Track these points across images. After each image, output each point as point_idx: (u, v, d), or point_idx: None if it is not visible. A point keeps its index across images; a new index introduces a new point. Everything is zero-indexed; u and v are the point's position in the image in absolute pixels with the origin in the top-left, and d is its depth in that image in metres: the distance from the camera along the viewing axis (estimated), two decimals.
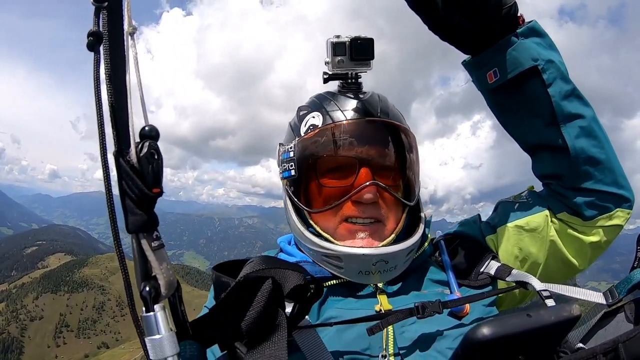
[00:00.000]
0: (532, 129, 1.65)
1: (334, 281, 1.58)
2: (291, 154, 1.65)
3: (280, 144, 1.78)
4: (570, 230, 1.67)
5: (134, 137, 0.88)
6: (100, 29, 0.87)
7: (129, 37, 0.90)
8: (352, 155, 1.57)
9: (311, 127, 1.63)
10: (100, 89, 0.86)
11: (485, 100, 1.73)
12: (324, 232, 1.59)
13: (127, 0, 0.90)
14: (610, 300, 1.41)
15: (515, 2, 1.48)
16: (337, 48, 1.60)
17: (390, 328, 1.42)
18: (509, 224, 1.75)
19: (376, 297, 1.55)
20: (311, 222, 1.64)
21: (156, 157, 0.89)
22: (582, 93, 1.59)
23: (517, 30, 1.54)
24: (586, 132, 1.58)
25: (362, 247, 1.51)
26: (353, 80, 1.71)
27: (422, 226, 1.66)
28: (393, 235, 1.60)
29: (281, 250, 1.85)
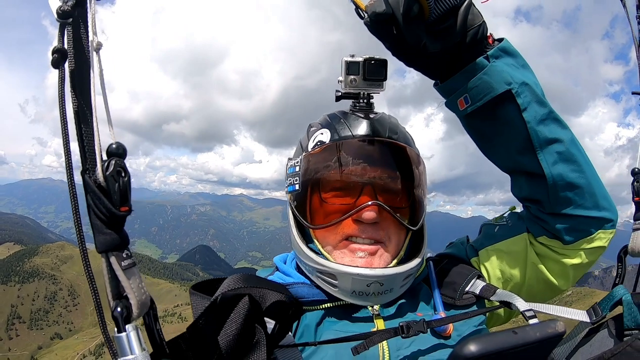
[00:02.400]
0: (508, 155, 1.61)
1: (332, 303, 1.56)
2: (296, 169, 1.64)
3: (288, 159, 1.77)
4: (550, 253, 1.66)
5: (101, 155, 0.87)
6: (65, 46, 0.85)
7: (95, 53, 0.88)
8: (357, 174, 1.55)
9: (318, 144, 1.61)
10: (65, 106, 0.84)
11: (460, 123, 1.69)
12: (323, 248, 1.58)
13: (92, 17, 0.87)
14: (594, 318, 1.44)
15: (483, 21, 1.42)
16: (350, 67, 1.58)
17: (386, 350, 1.43)
18: (489, 247, 1.76)
19: (373, 321, 1.54)
20: (313, 237, 1.63)
21: (123, 174, 0.88)
22: (558, 115, 1.54)
23: (488, 52, 1.47)
24: (564, 157, 1.53)
25: (358, 267, 1.48)
26: (365, 100, 1.67)
27: (424, 250, 1.65)
28: (395, 261, 1.58)
29: (277, 269, 1.80)
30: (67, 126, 0.84)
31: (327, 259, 1.54)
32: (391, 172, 1.59)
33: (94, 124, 0.87)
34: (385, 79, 1.59)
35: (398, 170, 1.60)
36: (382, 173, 1.57)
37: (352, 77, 1.59)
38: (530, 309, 1.46)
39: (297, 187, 1.62)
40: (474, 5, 1.40)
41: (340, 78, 1.60)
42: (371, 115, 1.63)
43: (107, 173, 0.86)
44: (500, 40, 1.52)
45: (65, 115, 0.84)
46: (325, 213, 1.58)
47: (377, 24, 1.37)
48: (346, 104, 1.73)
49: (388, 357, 1.42)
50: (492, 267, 1.74)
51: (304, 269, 1.65)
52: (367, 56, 1.57)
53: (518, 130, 1.51)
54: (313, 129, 1.71)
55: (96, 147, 0.86)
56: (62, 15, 0.84)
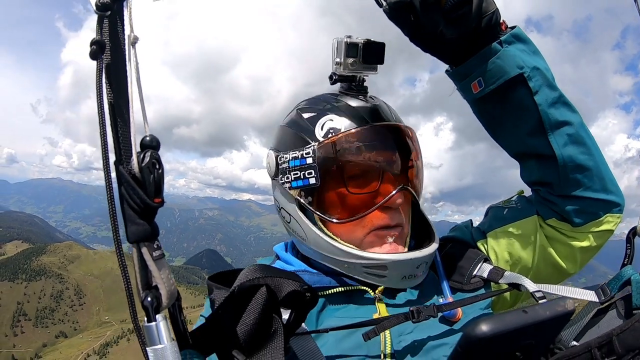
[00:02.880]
0: (519, 138, 1.62)
1: (333, 290, 1.57)
2: (309, 160, 1.55)
3: (276, 150, 1.67)
4: (559, 236, 1.67)
5: (136, 146, 0.88)
6: (103, 38, 0.86)
7: (131, 46, 0.89)
8: (378, 160, 1.56)
9: (332, 131, 1.56)
10: (102, 98, 0.85)
11: (471, 110, 1.71)
12: (348, 242, 1.55)
13: (130, 10, 0.89)
14: (603, 298, 1.44)
15: (496, 9, 1.45)
16: (350, 49, 1.55)
17: (388, 336, 1.43)
18: (498, 230, 1.76)
19: (374, 304, 1.55)
20: (329, 233, 1.58)
21: (157, 167, 0.89)
22: (568, 99, 1.57)
23: (501, 38, 1.50)
24: (574, 140, 1.56)
25: (408, 252, 1.53)
26: (360, 83, 1.67)
27: (434, 229, 1.68)
28: (408, 239, 1.63)
29: (278, 258, 1.80)
30: (104, 118, 0.85)
31: (370, 252, 1.53)
32: (404, 155, 1.62)
33: (130, 116, 0.88)
34: (383, 62, 1.60)
35: (410, 151, 1.63)
36: (397, 157, 1.60)
37: (352, 59, 1.56)
38: (539, 290, 1.48)
39: (312, 180, 1.54)
40: None
41: (338, 60, 1.57)
42: (372, 100, 1.65)
43: (143, 164, 0.87)
44: (513, 27, 1.55)
45: (103, 107, 0.85)
46: (351, 205, 1.56)
47: (396, 11, 1.40)
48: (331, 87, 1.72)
49: (390, 343, 1.43)
50: (501, 249, 1.75)
51: (331, 266, 1.60)
52: (366, 38, 1.56)
53: (530, 113, 1.54)
54: (311, 114, 1.64)
55: (132, 139, 0.88)
56: (102, 7, 0.85)
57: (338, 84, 1.70)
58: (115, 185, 0.87)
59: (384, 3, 1.40)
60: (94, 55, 0.85)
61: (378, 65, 1.61)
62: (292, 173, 1.59)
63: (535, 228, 1.69)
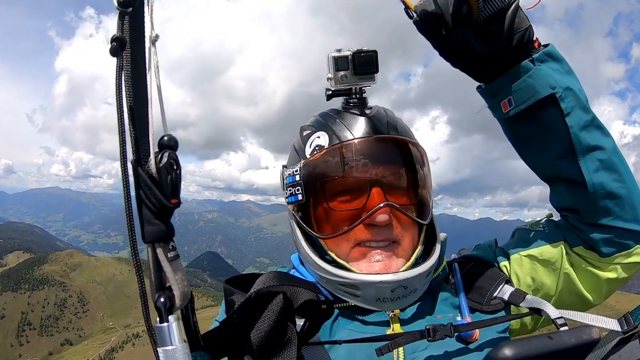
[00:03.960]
0: (548, 161, 1.56)
1: (348, 303, 1.53)
2: (297, 178, 1.56)
3: (284, 167, 1.70)
4: (586, 265, 1.60)
5: (154, 146, 0.87)
6: (123, 34, 0.85)
7: (152, 44, 0.89)
8: (362, 175, 1.50)
9: (317, 148, 1.55)
10: (122, 96, 0.84)
11: (501, 128, 1.66)
12: (338, 257, 1.53)
13: (151, 7, 0.88)
14: (626, 327, 1.38)
15: (529, 25, 1.41)
16: (339, 62, 1.51)
17: (401, 352, 1.40)
18: (522, 252, 1.70)
19: (388, 319, 1.52)
20: (325, 248, 1.57)
21: (175, 167, 0.88)
22: (601, 123, 1.51)
23: (533, 56, 1.45)
24: (606, 166, 1.49)
25: (379, 274, 1.45)
26: (357, 96, 1.62)
27: (438, 246, 1.61)
28: (413, 259, 1.54)
29: (294, 267, 1.77)
30: (122, 116, 0.84)
31: (347, 269, 1.49)
32: (396, 169, 1.56)
33: (149, 116, 0.87)
34: (376, 70, 1.54)
35: (402, 165, 1.57)
36: (387, 171, 1.54)
37: (342, 73, 1.52)
38: (561, 316, 1.42)
39: (299, 197, 1.55)
40: (521, 9, 1.40)
41: (329, 75, 1.55)
42: (367, 111, 1.60)
43: (161, 165, 0.86)
44: (546, 45, 1.50)
45: (122, 105, 0.83)
46: (335, 221, 1.53)
47: (426, 23, 1.37)
48: (337, 101, 1.69)
49: (403, 359, 1.40)
50: (524, 273, 1.69)
51: (319, 281, 1.59)
52: (355, 49, 1.52)
53: (560, 135, 1.48)
54: (307, 132, 1.64)
55: (150, 139, 0.86)
56: (124, 3, 0.84)
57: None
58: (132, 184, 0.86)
59: (415, 15, 1.38)
60: (114, 52, 0.84)
61: (376, 75, 1.56)
62: (288, 189, 1.62)
63: (561, 255, 1.63)
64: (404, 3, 1.39)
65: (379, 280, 1.43)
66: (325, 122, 1.61)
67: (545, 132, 1.51)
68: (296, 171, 1.56)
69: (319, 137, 1.57)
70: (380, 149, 1.55)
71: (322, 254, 1.58)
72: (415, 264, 1.52)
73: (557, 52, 1.49)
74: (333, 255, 1.54)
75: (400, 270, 1.48)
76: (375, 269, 1.48)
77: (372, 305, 1.49)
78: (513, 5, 1.36)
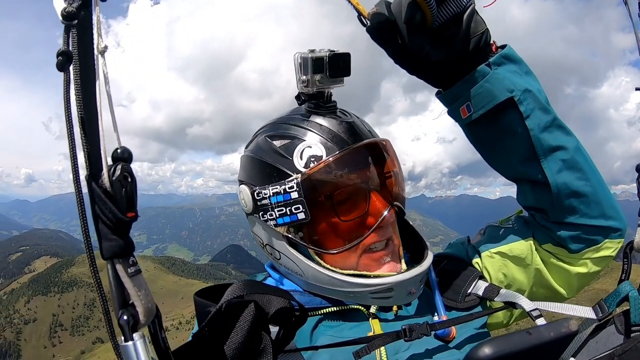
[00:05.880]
0: (512, 164, 1.56)
1: (326, 310, 1.52)
2: (294, 195, 1.43)
3: (250, 185, 1.55)
4: (555, 261, 1.61)
5: (106, 160, 0.85)
6: (70, 48, 0.83)
7: (100, 56, 0.87)
8: (363, 180, 1.49)
9: (312, 159, 1.45)
10: (71, 111, 0.82)
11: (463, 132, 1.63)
12: (344, 269, 1.48)
13: (98, 19, 0.86)
14: (600, 315, 1.41)
15: (486, 29, 1.39)
16: (316, 64, 1.43)
17: (384, 353, 1.39)
18: (492, 249, 1.70)
19: (368, 321, 1.50)
20: (328, 265, 1.48)
21: (129, 179, 0.85)
22: (563, 122, 1.49)
23: (490, 60, 1.43)
24: (569, 165, 1.49)
25: (406, 272, 1.45)
26: (329, 99, 1.56)
27: (423, 236, 1.65)
28: (401, 251, 1.59)
29: (269, 275, 1.73)
30: (73, 131, 0.82)
31: (377, 276, 1.46)
32: (384, 170, 1.57)
33: (100, 129, 0.85)
34: (349, 74, 1.48)
35: (389, 166, 1.58)
36: (378, 173, 1.55)
37: (319, 75, 1.44)
38: (536, 308, 1.43)
39: (300, 215, 1.44)
40: (477, 13, 1.36)
41: (304, 77, 1.45)
42: (346, 116, 1.56)
43: (114, 178, 0.84)
44: (504, 46, 1.47)
45: (71, 120, 0.82)
46: (344, 232, 1.49)
47: (380, 31, 1.36)
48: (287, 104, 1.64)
49: None
50: (494, 269, 1.69)
51: (336, 297, 1.53)
52: (330, 51, 1.45)
53: (521, 138, 1.47)
54: (286, 142, 1.51)
55: (102, 152, 0.84)
56: (67, 17, 0.82)
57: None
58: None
59: (368, 22, 1.36)
60: (60, 66, 0.82)
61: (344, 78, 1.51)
62: (276, 210, 1.48)
63: (531, 250, 1.63)
64: (357, 10, 1.37)
65: (413, 276, 1.44)
66: (307, 129, 1.51)
67: (506, 135, 1.50)
68: (291, 188, 1.44)
69: (310, 147, 1.47)
70: (371, 153, 1.56)
71: (337, 271, 1.50)
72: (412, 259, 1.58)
73: (515, 53, 1.47)
74: (339, 271, 1.47)
75: (414, 262, 1.53)
76: (387, 269, 1.50)
77: (403, 301, 1.52)
78: (469, 10, 1.33)
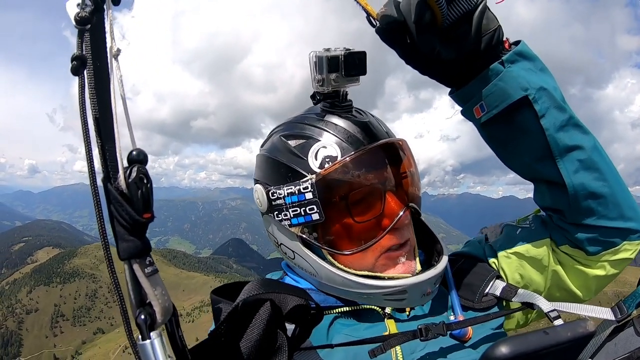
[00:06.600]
0: (527, 164, 1.51)
1: (342, 309, 1.52)
2: (308, 195, 1.42)
3: (264, 184, 1.54)
4: (573, 263, 1.56)
5: (122, 162, 0.86)
6: (84, 52, 0.84)
7: (114, 59, 0.87)
8: (378, 181, 1.47)
9: (327, 159, 1.43)
10: (86, 114, 0.83)
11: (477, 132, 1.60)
12: (360, 269, 1.46)
13: (110, 23, 0.86)
14: (619, 316, 1.38)
15: (498, 26, 1.33)
16: (332, 63, 1.40)
17: (399, 352, 1.39)
18: (509, 250, 1.66)
19: (384, 322, 1.49)
20: (341, 266, 1.47)
21: (145, 181, 0.87)
22: (580, 121, 1.43)
23: (503, 57, 1.38)
24: (586, 165, 1.43)
25: (420, 274, 1.43)
26: (344, 99, 1.54)
27: (438, 236, 1.61)
28: (416, 251, 1.56)
29: (285, 274, 1.72)
30: (89, 134, 0.83)
31: (391, 278, 1.44)
32: (401, 170, 1.55)
33: (115, 131, 0.86)
34: (366, 72, 1.45)
35: (405, 166, 1.56)
36: (394, 173, 1.52)
37: (335, 74, 1.42)
38: (554, 309, 1.40)
39: (315, 216, 1.42)
40: (489, 10, 1.32)
41: (319, 76, 1.43)
42: (361, 116, 1.54)
43: (130, 180, 0.85)
44: (517, 43, 1.43)
45: (87, 123, 0.83)
46: (359, 233, 1.47)
47: (389, 32, 1.32)
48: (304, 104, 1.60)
49: None
50: (511, 270, 1.65)
51: (350, 298, 1.52)
52: (345, 49, 1.42)
53: (536, 137, 1.41)
54: (301, 142, 1.50)
55: (117, 154, 0.85)
56: (81, 21, 0.82)
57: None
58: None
59: (377, 23, 1.33)
60: (75, 71, 0.83)
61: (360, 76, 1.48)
62: (290, 210, 1.47)
63: (548, 252, 1.59)
64: (366, 11, 1.34)
65: (428, 278, 1.42)
66: (323, 129, 1.50)
67: (521, 135, 1.45)
68: (306, 188, 1.42)
69: (325, 148, 1.45)
70: (388, 153, 1.53)
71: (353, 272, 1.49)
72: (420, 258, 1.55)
73: (529, 50, 1.42)
74: (353, 272, 1.46)
75: (429, 264, 1.50)
76: (402, 270, 1.48)
77: (418, 303, 1.50)
78: (480, 7, 1.28)
